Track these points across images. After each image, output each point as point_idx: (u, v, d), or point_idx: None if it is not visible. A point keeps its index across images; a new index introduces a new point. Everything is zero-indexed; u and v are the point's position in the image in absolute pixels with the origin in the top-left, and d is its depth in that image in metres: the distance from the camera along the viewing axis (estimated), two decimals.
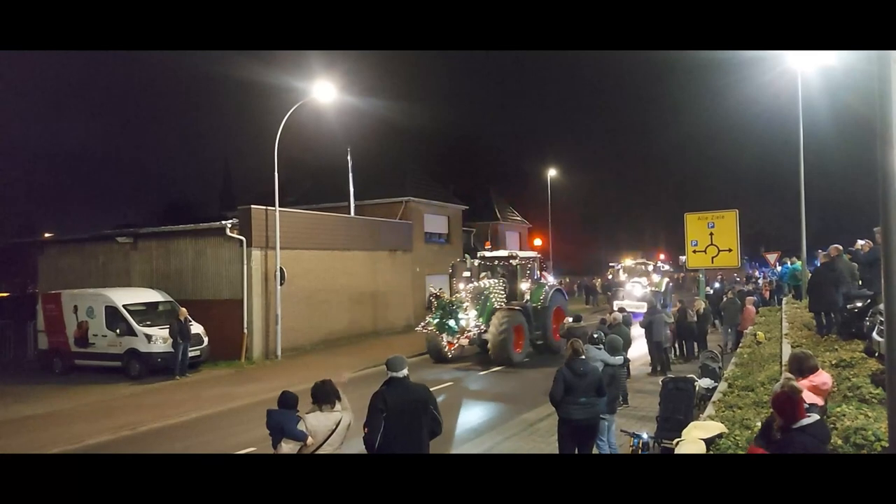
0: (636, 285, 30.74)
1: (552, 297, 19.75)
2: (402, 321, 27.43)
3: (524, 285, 19.52)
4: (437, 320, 17.45)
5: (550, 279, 21.59)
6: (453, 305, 17.41)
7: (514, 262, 19.82)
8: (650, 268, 33.60)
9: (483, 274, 19.73)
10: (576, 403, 7.22)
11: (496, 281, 18.99)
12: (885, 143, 3.69)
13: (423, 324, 18.19)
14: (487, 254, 20.67)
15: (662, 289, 31.25)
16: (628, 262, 35.33)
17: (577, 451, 7.42)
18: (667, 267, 37.20)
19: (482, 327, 17.56)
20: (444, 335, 17.35)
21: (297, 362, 19.06)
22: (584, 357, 7.57)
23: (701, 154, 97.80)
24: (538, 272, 20.91)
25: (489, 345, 17.20)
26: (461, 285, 19.28)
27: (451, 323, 17.20)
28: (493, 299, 18.25)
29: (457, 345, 17.52)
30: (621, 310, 17.30)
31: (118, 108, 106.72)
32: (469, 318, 17.46)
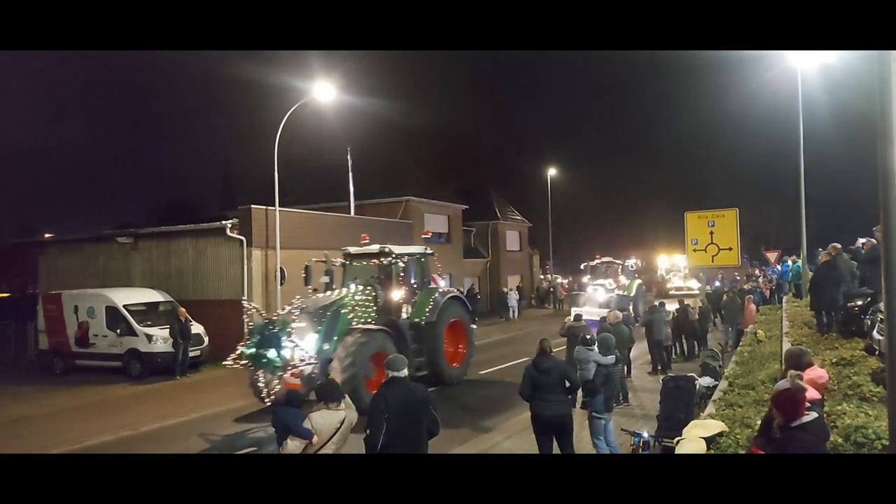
0: (599, 289, 26.62)
1: (444, 309, 14.46)
2: None
3: (398, 294, 14.05)
4: (252, 350, 11.80)
5: (442, 283, 15.81)
6: (274, 327, 11.83)
7: (386, 260, 14.24)
8: (619, 268, 29.23)
9: (357, 279, 14.50)
10: (544, 400, 7.43)
11: (359, 288, 13.79)
12: (885, 140, 3.69)
13: (232, 356, 12.08)
14: (353, 250, 15.09)
15: (633, 292, 27.17)
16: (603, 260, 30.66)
17: (554, 447, 7.55)
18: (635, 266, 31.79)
19: (315, 358, 11.95)
20: (262, 372, 11.73)
21: None
22: (551, 355, 7.77)
23: (701, 153, 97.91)
24: (425, 275, 15.41)
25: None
26: (316, 296, 13.84)
27: (271, 354, 11.59)
28: (350, 316, 12.94)
29: (278, 385, 11.10)
30: (622, 309, 17.29)
31: (118, 108, 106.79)
32: (303, 345, 11.91)
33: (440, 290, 15.18)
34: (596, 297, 25.28)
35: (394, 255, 14.20)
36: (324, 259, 15.03)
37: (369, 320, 13.29)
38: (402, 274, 14.31)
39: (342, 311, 12.82)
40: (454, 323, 15.06)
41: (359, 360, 11.75)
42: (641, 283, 29.39)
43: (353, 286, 13.91)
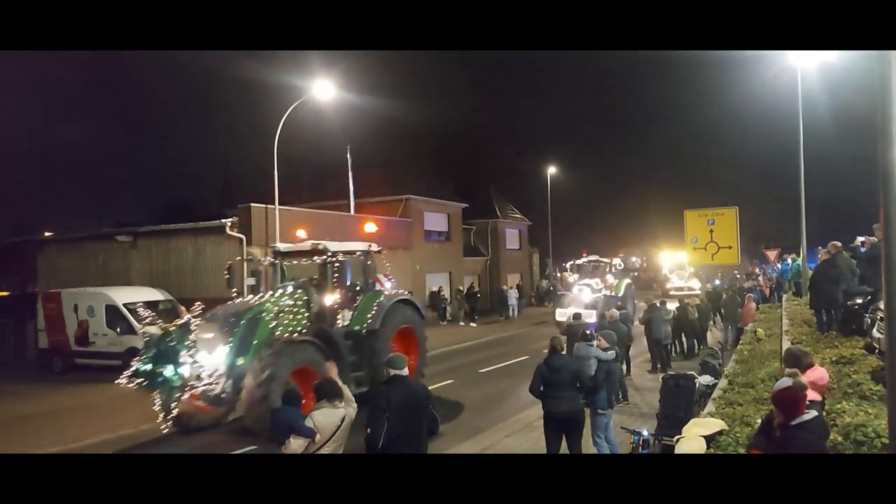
0: (585, 289, 25.23)
1: (390, 314, 12.65)
2: None
3: (332, 298, 12.14)
4: (147, 367, 10.05)
5: (388, 285, 13.95)
6: (171, 340, 10.22)
7: (319, 258, 12.47)
8: (607, 267, 27.83)
9: (293, 280, 12.61)
10: (556, 397, 7.50)
11: (287, 291, 11.98)
12: (885, 139, 3.69)
13: (126, 374, 10.24)
14: (282, 247, 13.44)
15: (621, 292, 25.74)
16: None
17: (564, 444, 7.58)
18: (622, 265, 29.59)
19: (226, 375, 10.27)
20: (159, 393, 10.20)
21: None
22: (562, 353, 7.84)
23: (701, 152, 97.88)
24: (369, 275, 13.41)
25: (241, 405, 10.31)
26: (233, 302, 11.97)
27: (168, 371, 9.96)
28: (273, 324, 11.09)
29: (175, 407, 10.16)
30: (620, 307, 17.28)
31: (118, 107, 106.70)
32: (210, 359, 10.31)
33: (386, 292, 13.36)
34: (582, 298, 24.15)
35: (329, 253, 12.28)
36: (250, 257, 12.92)
37: (299, 329, 11.47)
38: (336, 274, 12.24)
39: (262, 319, 10.92)
40: (404, 330, 13.29)
41: (276, 378, 9.78)
42: (630, 282, 28.13)
43: (286, 289, 12.08)
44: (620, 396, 11.53)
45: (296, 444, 5.68)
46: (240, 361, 10.39)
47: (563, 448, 7.62)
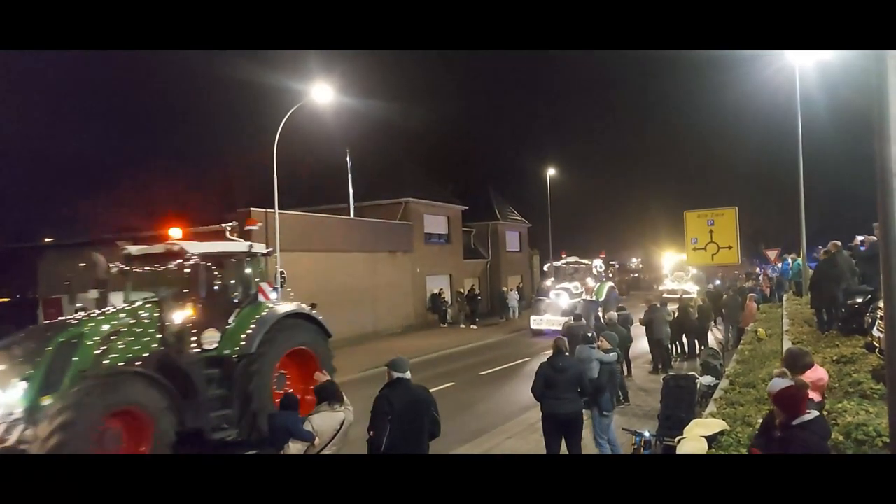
0: (563, 293, 23.69)
1: (274, 334, 9.94)
2: (402, 322, 27.45)
3: (184, 313, 9.40)
4: None
5: (273, 296, 11.16)
6: None
7: (174, 264, 9.66)
8: (587, 270, 26.35)
9: (152, 293, 9.65)
10: (556, 398, 7.48)
11: (133, 305, 9.38)
12: (882, 138, 3.69)
13: None
14: (134, 250, 10.74)
15: (603, 296, 24.11)
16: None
17: (563, 447, 7.59)
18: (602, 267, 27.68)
19: (24, 419, 7.68)
20: None
21: None
22: (566, 354, 7.83)
23: (701, 151, 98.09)
24: (249, 285, 10.57)
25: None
26: (46, 322, 9.89)
27: None
28: (100, 350, 8.45)
29: None
30: (620, 308, 17.26)
31: (117, 109, 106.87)
32: (2, 399, 7.85)
33: (269, 307, 10.38)
34: (559, 304, 22.84)
35: (188, 255, 9.52)
36: (93, 260, 10.39)
37: (144, 355, 8.78)
38: (187, 284, 9.52)
39: (83, 343, 8.28)
40: (297, 353, 10.45)
41: (79, 425, 7.38)
42: (613, 286, 26.92)
43: (133, 304, 9.53)
44: (621, 397, 11.55)
45: (294, 449, 5.69)
46: (45, 401, 7.70)
47: (563, 450, 7.62)
